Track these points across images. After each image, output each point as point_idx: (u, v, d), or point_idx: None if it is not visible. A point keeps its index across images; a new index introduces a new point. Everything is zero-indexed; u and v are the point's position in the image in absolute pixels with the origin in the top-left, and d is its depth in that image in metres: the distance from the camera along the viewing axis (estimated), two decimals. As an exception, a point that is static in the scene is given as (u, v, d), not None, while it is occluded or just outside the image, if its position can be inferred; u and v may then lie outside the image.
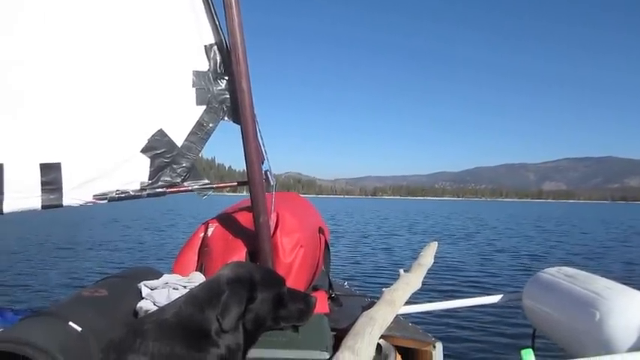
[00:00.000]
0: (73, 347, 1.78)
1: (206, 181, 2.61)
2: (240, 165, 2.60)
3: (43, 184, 2.28)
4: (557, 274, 2.90)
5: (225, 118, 2.59)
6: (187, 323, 1.64)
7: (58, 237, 20.34)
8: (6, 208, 2.24)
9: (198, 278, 2.42)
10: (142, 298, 2.27)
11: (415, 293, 2.93)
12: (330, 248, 3.26)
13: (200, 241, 2.78)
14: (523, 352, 2.03)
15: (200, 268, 2.65)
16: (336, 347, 1.99)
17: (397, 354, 2.24)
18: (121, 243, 19.15)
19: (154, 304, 2.16)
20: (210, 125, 2.56)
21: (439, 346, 2.24)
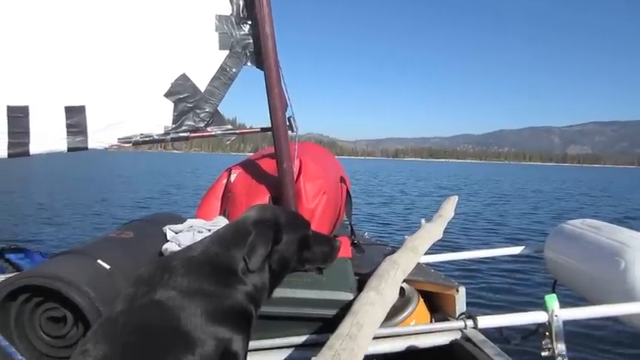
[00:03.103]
0: (101, 283, 1.83)
1: (229, 127, 2.61)
2: (261, 125, 2.59)
3: (68, 126, 2.30)
4: (581, 225, 2.85)
5: (249, 64, 2.56)
6: (215, 261, 1.65)
7: (80, 190, 20.89)
8: (33, 150, 2.27)
9: (222, 222, 2.44)
10: (167, 241, 2.30)
11: (436, 244, 2.91)
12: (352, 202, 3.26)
13: (223, 188, 2.79)
14: (547, 297, 2.01)
15: (223, 214, 2.67)
16: (359, 291, 2.00)
17: (420, 297, 2.25)
18: (145, 196, 19.58)
19: (179, 247, 2.19)
20: (234, 70, 2.54)
21: (462, 290, 2.24)
